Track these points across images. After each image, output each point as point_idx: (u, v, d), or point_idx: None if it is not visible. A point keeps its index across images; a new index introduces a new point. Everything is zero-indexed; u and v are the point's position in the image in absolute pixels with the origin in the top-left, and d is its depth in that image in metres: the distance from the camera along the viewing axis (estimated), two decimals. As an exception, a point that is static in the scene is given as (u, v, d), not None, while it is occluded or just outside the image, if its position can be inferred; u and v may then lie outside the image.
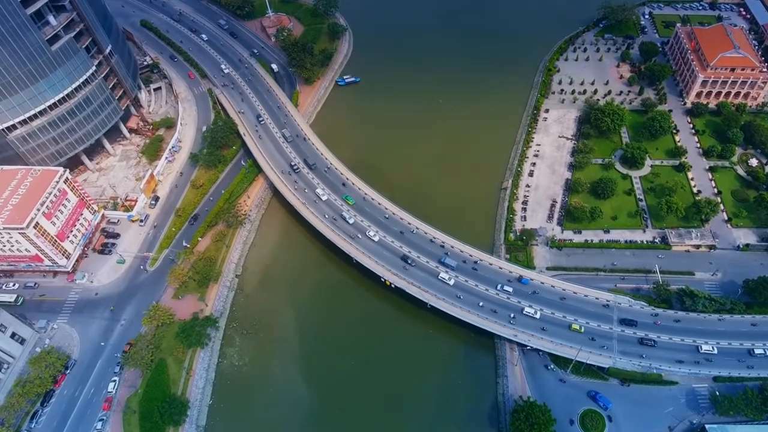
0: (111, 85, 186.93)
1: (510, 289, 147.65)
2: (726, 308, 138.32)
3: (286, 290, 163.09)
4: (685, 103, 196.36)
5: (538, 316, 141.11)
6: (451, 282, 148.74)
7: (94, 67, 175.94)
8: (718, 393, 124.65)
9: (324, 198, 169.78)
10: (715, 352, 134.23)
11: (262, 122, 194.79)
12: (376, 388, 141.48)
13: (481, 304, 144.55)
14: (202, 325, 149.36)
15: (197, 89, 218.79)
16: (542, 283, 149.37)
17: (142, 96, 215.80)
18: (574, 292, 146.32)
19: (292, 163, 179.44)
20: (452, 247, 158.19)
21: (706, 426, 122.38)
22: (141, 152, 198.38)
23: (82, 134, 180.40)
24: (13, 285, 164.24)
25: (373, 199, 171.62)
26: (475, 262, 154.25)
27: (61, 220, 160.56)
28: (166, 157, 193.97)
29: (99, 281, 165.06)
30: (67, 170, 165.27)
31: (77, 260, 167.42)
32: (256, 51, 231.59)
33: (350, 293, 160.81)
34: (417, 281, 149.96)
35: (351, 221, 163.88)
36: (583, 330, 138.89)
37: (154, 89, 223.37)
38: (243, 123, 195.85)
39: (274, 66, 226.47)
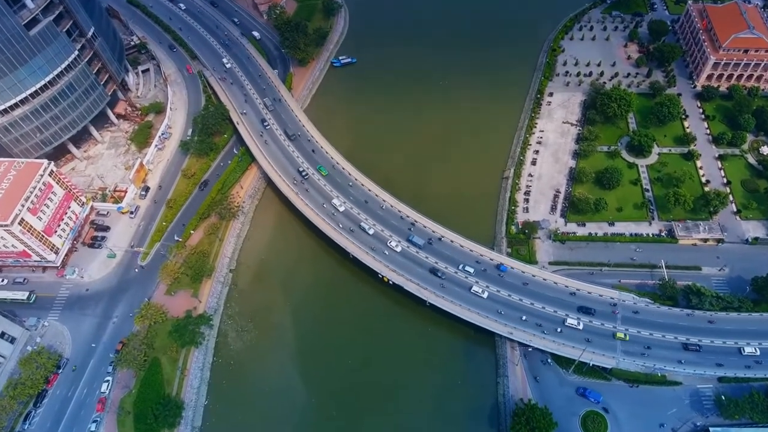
0: (95, 70, 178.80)
1: (471, 270, 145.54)
2: (733, 306, 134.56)
3: (282, 285, 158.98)
4: (695, 86, 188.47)
5: (581, 327, 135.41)
6: (485, 295, 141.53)
7: (76, 52, 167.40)
8: (723, 397, 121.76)
9: (341, 209, 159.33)
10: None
11: (267, 127, 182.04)
12: (374, 387, 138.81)
13: (524, 318, 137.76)
14: (196, 323, 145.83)
15: (187, 71, 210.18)
16: (512, 268, 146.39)
17: (130, 79, 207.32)
18: (577, 289, 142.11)
19: (300, 169, 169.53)
20: (426, 227, 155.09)
21: (710, 429, 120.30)
22: (130, 139, 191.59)
23: (67, 122, 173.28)
24: (2, 281, 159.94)
25: (342, 168, 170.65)
26: (440, 239, 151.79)
27: (48, 214, 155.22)
28: (156, 145, 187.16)
29: (90, 276, 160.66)
30: (52, 163, 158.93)
31: (67, 254, 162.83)
32: (236, 20, 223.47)
33: (347, 287, 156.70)
34: (452, 296, 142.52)
35: (371, 231, 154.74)
36: (627, 338, 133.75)
37: (143, 71, 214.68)
38: (246, 127, 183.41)
39: (255, 33, 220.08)
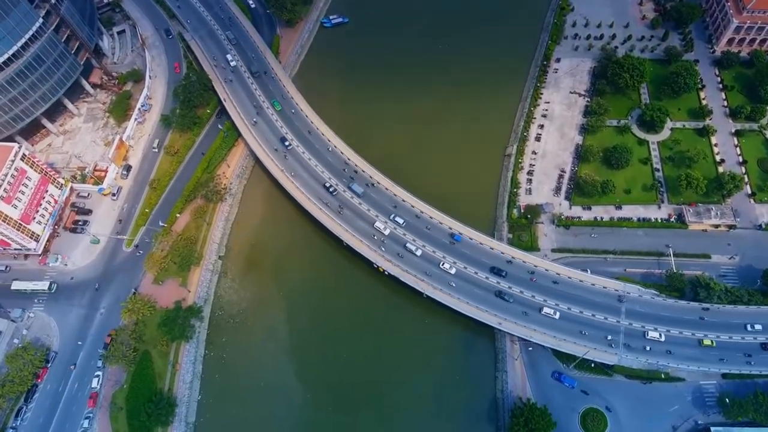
0: (64, 38, 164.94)
1: (401, 221, 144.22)
2: (743, 301, 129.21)
3: (274, 272, 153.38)
4: (713, 51, 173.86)
5: (663, 339, 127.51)
6: (557, 316, 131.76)
7: (40, 20, 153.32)
8: (727, 400, 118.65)
9: (386, 232, 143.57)
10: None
11: (289, 147, 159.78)
12: (371, 380, 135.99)
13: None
14: (185, 316, 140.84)
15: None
16: (471, 239, 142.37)
17: (104, 42, 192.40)
18: (580, 280, 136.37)
19: (327, 184, 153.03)
20: (368, 174, 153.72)
21: (711, 429, 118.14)
22: (108, 112, 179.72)
23: (38, 97, 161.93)
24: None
25: (293, 98, 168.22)
26: (372, 185, 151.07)
27: (24, 201, 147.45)
28: (136, 118, 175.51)
29: (74, 264, 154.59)
30: (23, 146, 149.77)
31: (48, 240, 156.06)
32: None
33: (342, 274, 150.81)
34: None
35: (418, 253, 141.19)
36: (714, 344, 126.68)
37: (118, 32, 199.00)
38: (260, 144, 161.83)
39: None
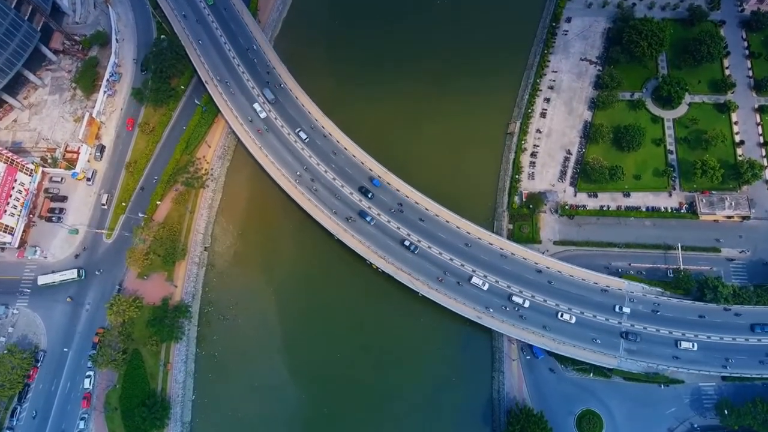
0: (14, 3, 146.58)
1: (304, 136, 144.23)
2: (751, 303, 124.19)
3: (263, 263, 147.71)
4: (742, 10, 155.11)
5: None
6: (485, 287, 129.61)
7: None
8: (726, 411, 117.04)
9: (485, 287, 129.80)
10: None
11: (372, 221, 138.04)
12: (364, 377, 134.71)
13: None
14: (173, 316, 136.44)
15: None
16: (389, 184, 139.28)
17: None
18: (583, 279, 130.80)
19: (406, 242, 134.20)
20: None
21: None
22: (74, 81, 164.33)
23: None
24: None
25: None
26: (282, 85, 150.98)
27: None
28: (105, 91, 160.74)
29: (53, 256, 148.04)
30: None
31: (25, 231, 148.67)
32: None
33: (335, 266, 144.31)
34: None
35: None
36: None
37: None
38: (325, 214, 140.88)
39: None
